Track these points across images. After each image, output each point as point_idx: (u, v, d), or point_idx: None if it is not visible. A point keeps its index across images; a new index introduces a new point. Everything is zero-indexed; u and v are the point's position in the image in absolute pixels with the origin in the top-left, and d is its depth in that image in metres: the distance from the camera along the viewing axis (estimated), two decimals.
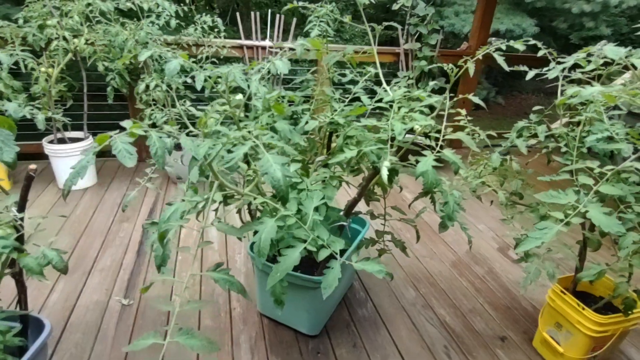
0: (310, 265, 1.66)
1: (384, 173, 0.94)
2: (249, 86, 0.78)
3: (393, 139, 1.10)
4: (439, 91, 3.79)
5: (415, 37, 3.57)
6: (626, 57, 1.07)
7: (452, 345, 1.77)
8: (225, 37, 3.12)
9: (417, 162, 1.03)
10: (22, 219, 1.05)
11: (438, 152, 0.98)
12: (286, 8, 1.34)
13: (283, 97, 1.51)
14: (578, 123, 1.17)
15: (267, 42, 3.26)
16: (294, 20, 3.38)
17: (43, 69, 2.64)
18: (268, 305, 1.79)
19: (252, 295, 1.92)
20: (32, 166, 1.08)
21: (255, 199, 0.90)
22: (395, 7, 3.30)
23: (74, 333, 1.69)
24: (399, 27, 3.64)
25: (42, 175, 3.08)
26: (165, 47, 2.88)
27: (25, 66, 2.51)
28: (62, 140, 2.84)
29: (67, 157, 2.81)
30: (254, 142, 0.65)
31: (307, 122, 1.17)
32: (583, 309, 1.52)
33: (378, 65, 1.34)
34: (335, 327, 1.82)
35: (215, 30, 3.04)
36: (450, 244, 2.57)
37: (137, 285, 1.99)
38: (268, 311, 1.82)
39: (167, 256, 0.82)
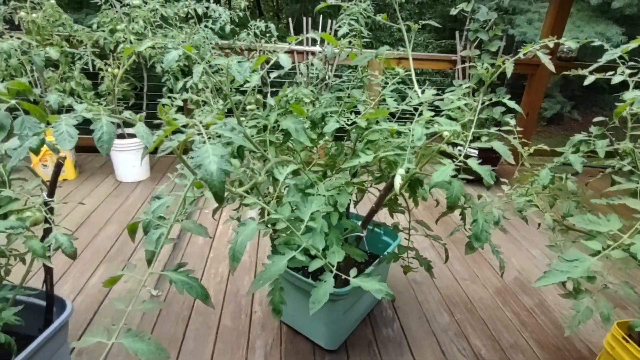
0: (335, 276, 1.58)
1: (397, 181, 0.85)
2: (247, 79, 0.74)
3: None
4: (499, 103, 3.52)
5: (475, 43, 3.35)
6: None
7: None
8: (276, 43, 3.17)
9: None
10: (48, 204, 1.11)
11: (461, 161, 0.86)
12: (319, 7, 1.30)
13: (317, 99, 1.47)
14: None
15: (317, 48, 3.26)
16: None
17: (110, 70, 2.88)
18: (289, 314, 1.74)
19: None
20: (62, 154, 1.14)
21: (243, 198, 0.86)
22: (453, 12, 3.14)
23: (104, 317, 1.77)
24: (456, 32, 3.44)
25: (102, 168, 3.35)
26: (219, 51, 3.00)
27: (94, 66, 2.74)
28: (121, 136, 3.06)
29: (125, 152, 3.02)
30: (199, 131, 0.60)
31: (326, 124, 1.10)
32: None
33: (412, 67, 1.24)
34: (355, 344, 1.71)
35: (267, 35, 3.10)
36: (496, 268, 2.33)
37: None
38: (288, 319, 1.76)
39: (153, 253, 0.80)
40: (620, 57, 1.23)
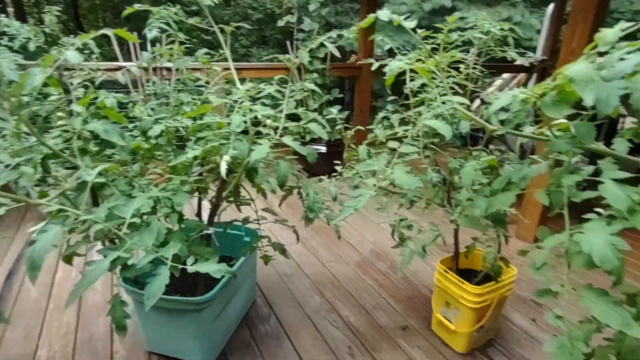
0: (194, 285, 1.53)
1: (223, 167, 0.89)
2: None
3: (246, 132, 1.06)
4: (335, 102, 3.93)
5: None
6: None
7: (356, 344, 1.75)
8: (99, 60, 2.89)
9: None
10: None
11: (277, 139, 0.96)
12: (125, 13, 1.25)
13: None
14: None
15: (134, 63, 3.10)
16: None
17: None
18: (154, 339, 1.60)
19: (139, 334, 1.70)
20: None
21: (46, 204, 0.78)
22: (280, 23, 3.39)
23: None
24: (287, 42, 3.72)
25: None
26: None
27: None
28: None
29: None
30: None
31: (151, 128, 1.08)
32: (463, 283, 1.60)
33: (232, 68, 1.31)
34: (235, 349, 1.69)
35: (86, 52, 2.80)
36: (355, 245, 2.60)
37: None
38: (156, 346, 1.63)
39: None
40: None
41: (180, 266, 0.82)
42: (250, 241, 1.47)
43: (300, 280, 2.20)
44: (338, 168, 1.68)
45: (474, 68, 1.46)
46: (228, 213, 1.64)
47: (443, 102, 0.86)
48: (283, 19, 3.28)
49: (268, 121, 1.11)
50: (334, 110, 1.70)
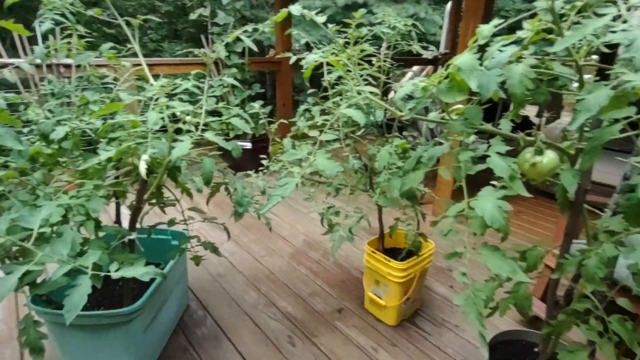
0: (118, 297, 1.43)
1: (142, 167, 0.85)
2: None
3: (164, 129, 1.01)
4: (257, 97, 3.90)
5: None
6: None
7: (295, 332, 1.79)
8: None
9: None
10: None
11: (199, 135, 0.94)
12: (8, 3, 1.11)
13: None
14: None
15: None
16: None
17: None
18: None
19: None
20: None
21: None
22: (193, 17, 3.25)
23: None
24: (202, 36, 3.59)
25: None
26: None
27: None
28: None
29: None
30: None
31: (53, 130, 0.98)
32: (389, 261, 1.73)
33: (144, 63, 1.24)
34: (171, 357, 1.62)
35: None
36: (287, 237, 2.63)
37: None
38: None
39: None
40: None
41: (103, 274, 0.77)
42: (178, 243, 1.42)
43: (234, 278, 2.17)
44: (264, 162, 1.70)
45: (385, 61, 1.57)
46: (151, 217, 1.55)
47: (358, 93, 0.92)
48: (195, 12, 3.15)
49: (188, 117, 1.08)
50: (256, 105, 1.70)
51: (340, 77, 1.36)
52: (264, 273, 2.23)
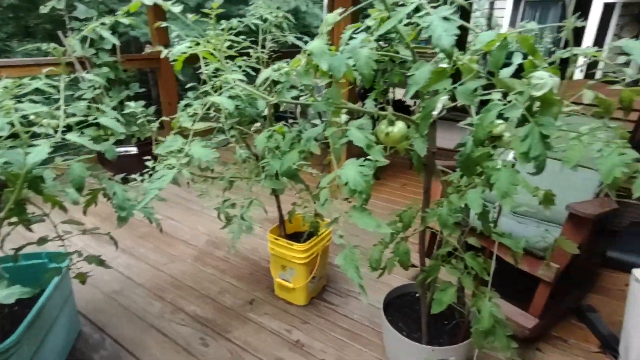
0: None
1: None
2: None
3: (16, 136, 0.90)
4: (140, 97, 3.61)
5: (88, 43, 3.21)
6: None
7: (207, 333, 1.76)
8: None
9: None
10: None
11: (61, 137, 0.86)
12: None
13: None
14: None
15: None
16: None
17: None
18: None
19: None
20: None
21: None
22: (44, 10, 2.85)
23: None
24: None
25: None
26: None
27: None
28: None
29: None
30: None
31: None
32: (291, 245, 1.80)
33: None
34: None
35: None
36: (189, 240, 2.53)
37: None
38: None
39: None
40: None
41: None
42: (56, 264, 1.27)
43: (133, 292, 2.02)
44: (149, 164, 1.61)
45: (262, 52, 1.61)
46: (16, 239, 1.36)
47: (227, 82, 0.94)
48: (47, 5, 2.77)
49: (45, 120, 0.98)
50: (133, 104, 1.59)
51: (217, 70, 1.36)
52: (167, 281, 2.13)
